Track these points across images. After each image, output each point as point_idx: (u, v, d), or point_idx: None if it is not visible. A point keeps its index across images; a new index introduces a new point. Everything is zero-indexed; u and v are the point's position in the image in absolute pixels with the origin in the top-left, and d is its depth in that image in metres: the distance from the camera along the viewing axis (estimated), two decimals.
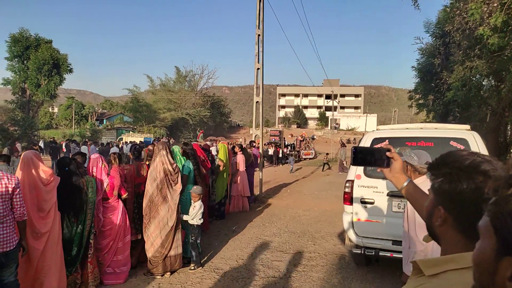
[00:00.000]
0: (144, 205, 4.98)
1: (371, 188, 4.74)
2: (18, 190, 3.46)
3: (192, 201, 5.34)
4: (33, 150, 4.30)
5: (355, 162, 1.51)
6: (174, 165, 5.12)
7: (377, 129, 5.38)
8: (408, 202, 3.00)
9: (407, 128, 5.05)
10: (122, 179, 4.98)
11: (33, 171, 3.85)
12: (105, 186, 4.65)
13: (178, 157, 5.85)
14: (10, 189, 3.39)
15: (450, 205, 0.97)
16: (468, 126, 4.84)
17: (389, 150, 1.51)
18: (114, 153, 5.31)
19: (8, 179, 3.38)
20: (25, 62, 33.10)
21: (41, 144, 25.57)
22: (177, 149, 6.05)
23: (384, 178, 4.54)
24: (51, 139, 30.05)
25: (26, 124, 30.59)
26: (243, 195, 9.25)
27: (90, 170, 4.65)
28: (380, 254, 4.60)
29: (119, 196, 4.88)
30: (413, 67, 26.80)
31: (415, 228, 2.83)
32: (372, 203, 4.72)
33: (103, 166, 4.72)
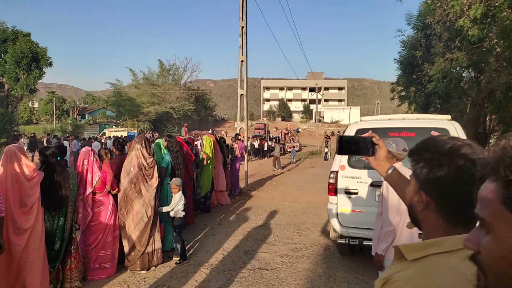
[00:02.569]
0: (118, 199, 4.91)
1: (355, 178, 4.78)
2: None
3: (172, 193, 5.29)
4: (16, 144, 4.18)
5: (341, 151, 1.51)
6: (150, 159, 5.04)
7: (360, 120, 5.42)
8: (382, 187, 3.14)
9: (389, 119, 5.10)
10: (113, 174, 4.90)
11: (16, 165, 3.74)
12: (96, 180, 4.56)
13: (162, 150, 5.79)
14: None
15: (431, 190, 0.96)
16: (448, 116, 4.92)
17: (373, 138, 1.51)
18: (105, 148, 5.25)
19: None
20: (2, 55, 32.08)
21: (23, 140, 24.87)
22: (161, 141, 5.98)
23: (367, 168, 4.62)
24: (31, 135, 29.35)
25: (5, 120, 29.74)
26: (217, 189, 9.10)
27: (81, 163, 4.55)
28: (364, 243, 4.65)
29: (109, 191, 4.80)
30: (395, 59, 27.16)
31: (388, 208, 3.03)
32: (356, 193, 4.77)
33: (94, 159, 4.62)
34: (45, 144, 20.80)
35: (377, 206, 4.53)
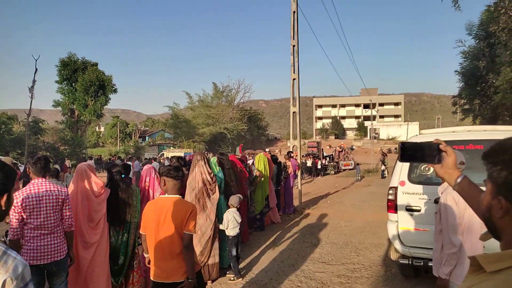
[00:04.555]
0: None
1: (417, 194, 4.51)
2: (68, 201, 3.63)
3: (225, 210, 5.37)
4: (86, 163, 4.49)
5: (404, 158, 1.44)
6: (212, 174, 5.17)
7: (420, 134, 5.16)
8: (440, 202, 2.97)
9: (453, 131, 4.79)
10: None
11: (85, 182, 4.03)
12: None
13: (215, 167, 5.91)
14: (60, 200, 3.55)
15: (511, 194, 0.88)
16: None
17: (439, 145, 1.42)
18: (165, 166, 5.47)
19: (58, 191, 3.55)
20: (73, 84, 35.16)
21: (92, 161, 26.79)
22: (213, 159, 6.12)
23: (430, 183, 4.35)
24: (98, 157, 31.54)
25: (75, 143, 32.31)
26: (270, 206, 9.03)
27: (143, 180, 4.78)
28: (429, 264, 4.33)
29: None
30: (456, 71, 25.71)
31: (448, 229, 2.86)
32: (418, 210, 4.49)
33: (155, 176, 4.83)
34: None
35: None
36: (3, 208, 1.40)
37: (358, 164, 22.73)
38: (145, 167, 5.04)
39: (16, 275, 1.27)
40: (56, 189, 3.53)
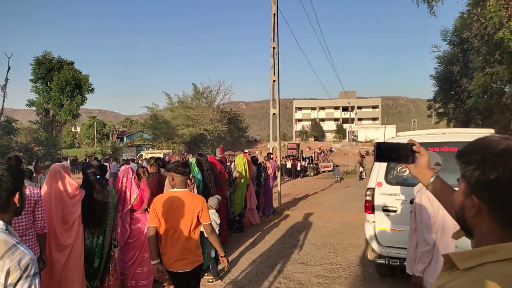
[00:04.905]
0: None
1: (393, 195, 4.60)
2: (40, 203, 3.51)
3: None
4: (60, 163, 4.35)
5: (379, 158, 1.46)
6: (191, 176, 5.11)
7: (397, 136, 5.26)
8: (415, 202, 3.02)
9: (428, 134, 4.91)
10: (150, 192, 5.00)
11: (59, 183, 3.90)
12: (134, 197, 4.66)
13: (195, 169, 5.85)
14: (32, 202, 3.43)
15: (484, 194, 0.90)
16: (492, 130, 4.67)
17: (413, 146, 1.44)
18: (143, 167, 5.37)
19: (30, 191, 3.43)
20: (48, 83, 34.17)
21: (68, 162, 26.05)
22: (192, 160, 6.06)
23: (405, 184, 4.45)
24: (74, 158, 30.74)
25: (50, 144, 31.39)
26: (249, 207, 9.03)
27: (120, 180, 4.67)
28: (405, 264, 4.42)
29: (146, 209, 4.88)
30: (431, 75, 26.50)
31: (423, 228, 2.94)
32: (395, 211, 4.58)
33: (133, 177, 4.73)
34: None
35: None
36: (18, 205, 1.61)
37: (337, 166, 23.01)
38: (123, 167, 4.94)
39: (20, 265, 1.38)
40: (28, 190, 3.40)
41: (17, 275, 1.37)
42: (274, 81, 11.13)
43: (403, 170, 4.55)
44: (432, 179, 1.42)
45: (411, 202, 4.45)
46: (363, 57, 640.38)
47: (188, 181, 5.09)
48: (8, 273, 1.36)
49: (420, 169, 1.44)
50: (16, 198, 1.58)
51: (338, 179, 20.21)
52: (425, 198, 2.98)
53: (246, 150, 22.15)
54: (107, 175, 15.85)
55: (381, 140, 52.60)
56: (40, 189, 3.79)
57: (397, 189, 4.58)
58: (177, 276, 3.20)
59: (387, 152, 1.46)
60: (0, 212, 1.56)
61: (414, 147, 1.44)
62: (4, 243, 1.43)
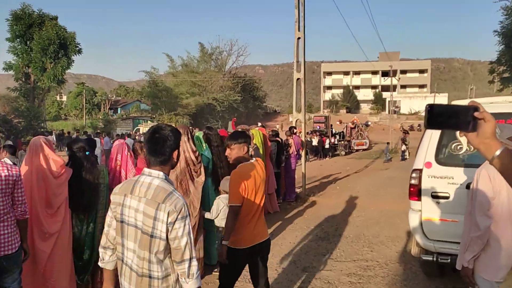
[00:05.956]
0: None
1: (445, 179, 4.51)
2: (19, 183, 3.53)
3: (214, 196, 5.33)
4: (43, 136, 4.38)
5: (431, 124, 1.38)
6: (197, 153, 5.11)
7: None
8: (474, 179, 2.96)
9: (491, 103, 4.76)
10: None
11: (42, 160, 3.92)
12: (130, 177, 4.69)
13: (202, 145, 5.83)
14: (10, 182, 3.47)
15: None
16: None
17: (476, 109, 1.35)
18: (141, 142, 5.38)
19: (8, 170, 3.45)
20: (28, 43, 34.55)
21: (53, 137, 26.55)
22: (199, 134, 6.04)
23: (462, 165, 4.34)
24: (60, 132, 31.33)
25: (31, 115, 31.99)
26: (267, 192, 8.98)
27: (114, 157, 4.70)
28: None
29: None
30: (495, 31, 25.60)
31: (475, 209, 2.85)
32: (447, 197, 4.50)
33: (128, 154, 4.74)
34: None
35: None
36: (175, 160, 2.41)
37: (387, 143, 23.02)
38: (116, 142, 4.96)
39: (176, 208, 2.17)
40: (5, 168, 3.44)
41: (175, 216, 2.16)
42: (298, 38, 10.91)
43: (458, 147, 4.44)
44: (498, 152, 1.34)
45: (467, 187, 4.36)
46: (409, 8, 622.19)
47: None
48: (168, 214, 2.15)
49: (484, 139, 1.35)
50: (175, 154, 2.35)
51: (389, 157, 20.17)
52: (485, 173, 2.88)
53: (259, 124, 22.08)
54: (98, 152, 16.18)
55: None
56: (20, 167, 3.84)
57: (450, 171, 4.48)
58: (253, 250, 3.56)
59: (441, 118, 1.38)
60: (163, 165, 2.32)
61: (476, 113, 1.35)
62: (164, 190, 2.21)
